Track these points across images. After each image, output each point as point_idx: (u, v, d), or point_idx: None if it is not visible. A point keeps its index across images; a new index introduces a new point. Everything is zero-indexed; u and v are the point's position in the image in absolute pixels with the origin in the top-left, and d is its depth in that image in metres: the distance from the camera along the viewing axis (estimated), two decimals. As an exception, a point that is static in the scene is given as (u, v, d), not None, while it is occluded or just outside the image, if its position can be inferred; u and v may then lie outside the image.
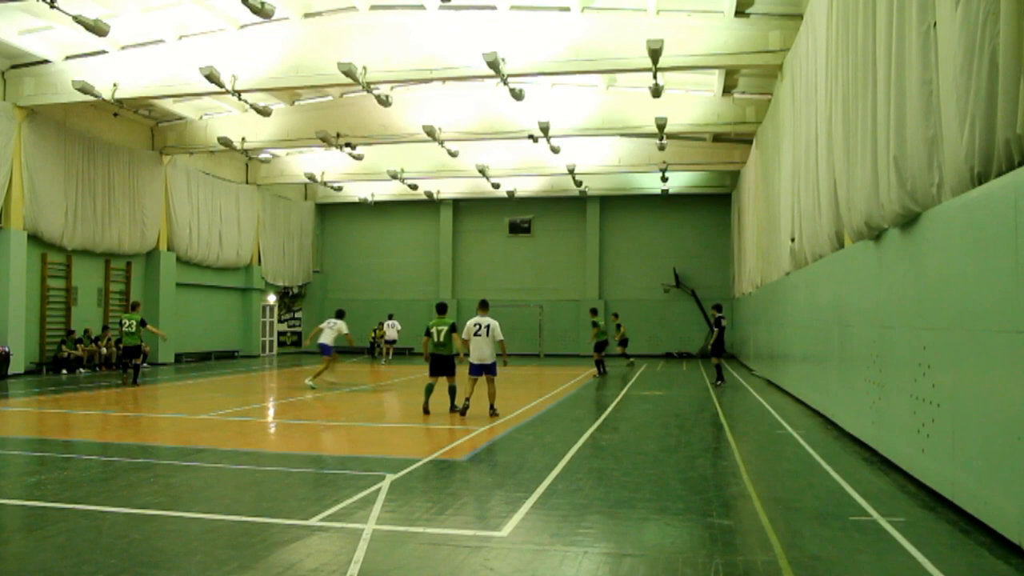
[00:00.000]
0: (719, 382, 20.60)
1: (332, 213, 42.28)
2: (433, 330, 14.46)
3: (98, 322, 27.41)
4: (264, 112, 25.16)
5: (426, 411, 14.40)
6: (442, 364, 14.60)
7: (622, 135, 29.21)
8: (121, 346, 21.48)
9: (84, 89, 21.85)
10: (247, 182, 35.85)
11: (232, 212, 34.42)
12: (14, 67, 23.11)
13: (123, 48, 22.01)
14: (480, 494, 8.18)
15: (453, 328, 14.51)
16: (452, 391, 14.72)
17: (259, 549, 6.26)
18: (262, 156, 33.15)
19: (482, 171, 31.81)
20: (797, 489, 8.58)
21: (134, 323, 20.17)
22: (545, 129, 25.11)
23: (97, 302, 27.62)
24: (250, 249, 35.94)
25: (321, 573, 5.64)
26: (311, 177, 34.47)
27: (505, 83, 20.66)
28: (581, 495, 8.05)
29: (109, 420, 14.62)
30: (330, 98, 27.57)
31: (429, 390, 14.76)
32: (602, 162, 31.26)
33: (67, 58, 22.56)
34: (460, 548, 6.24)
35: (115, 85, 22.15)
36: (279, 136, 28.32)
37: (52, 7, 17.20)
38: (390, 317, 34.16)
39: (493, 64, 19.26)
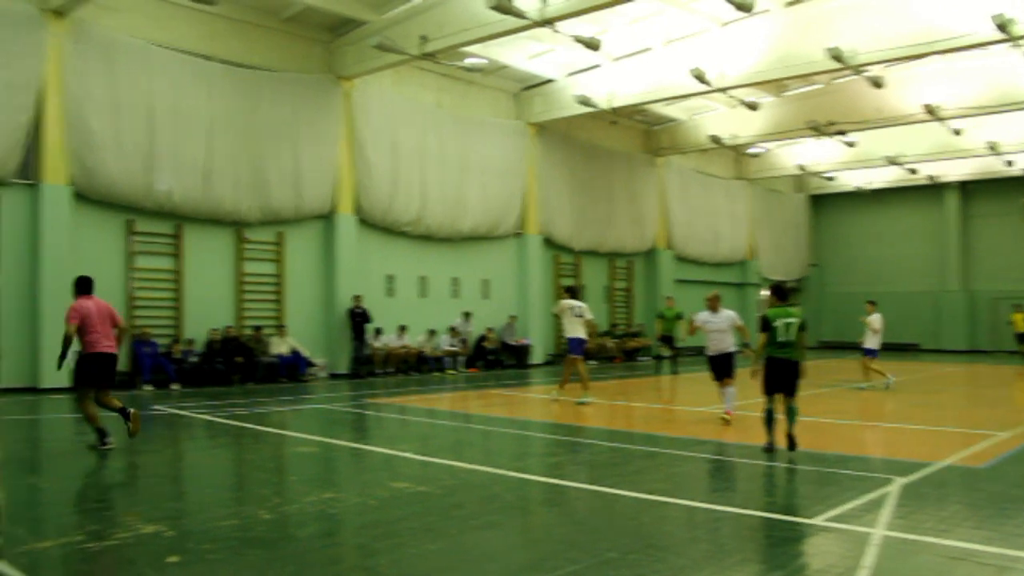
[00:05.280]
0: None
1: (826, 204, 40.87)
2: (778, 324, 10.00)
3: (604, 318, 29.58)
4: (752, 107, 25.22)
5: (768, 448, 9.99)
6: (784, 373, 10.02)
7: None
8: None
9: (584, 102, 23.83)
10: (738, 177, 36.15)
11: (725, 208, 34.98)
12: (525, 89, 25.95)
13: (615, 60, 23.45)
14: (1004, 507, 7.33)
15: (803, 325, 10.10)
16: (791, 414, 9.92)
17: (763, 543, 6.36)
18: (752, 151, 33.20)
19: (993, 148, 28.58)
20: None
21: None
22: (1073, 94, 21.87)
23: (603, 299, 29.84)
24: (744, 244, 36.20)
25: (827, 575, 5.50)
26: (802, 168, 33.74)
27: (1019, 47, 18.34)
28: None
29: (616, 409, 15.78)
30: (818, 86, 26.71)
31: (770, 419, 10.06)
32: None
33: (568, 75, 24.70)
34: (983, 566, 5.64)
35: (610, 95, 23.74)
36: (768, 129, 28.15)
37: (554, 31, 18.90)
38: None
39: (1003, 26, 17.15)
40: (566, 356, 16.44)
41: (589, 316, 16.17)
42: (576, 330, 15.80)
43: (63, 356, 10.02)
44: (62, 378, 14.19)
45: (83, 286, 10.52)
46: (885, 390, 17.69)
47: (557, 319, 16.14)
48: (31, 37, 16.47)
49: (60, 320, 10.57)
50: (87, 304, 10.29)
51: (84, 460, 9.88)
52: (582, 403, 15.26)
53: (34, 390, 16.04)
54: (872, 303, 19.00)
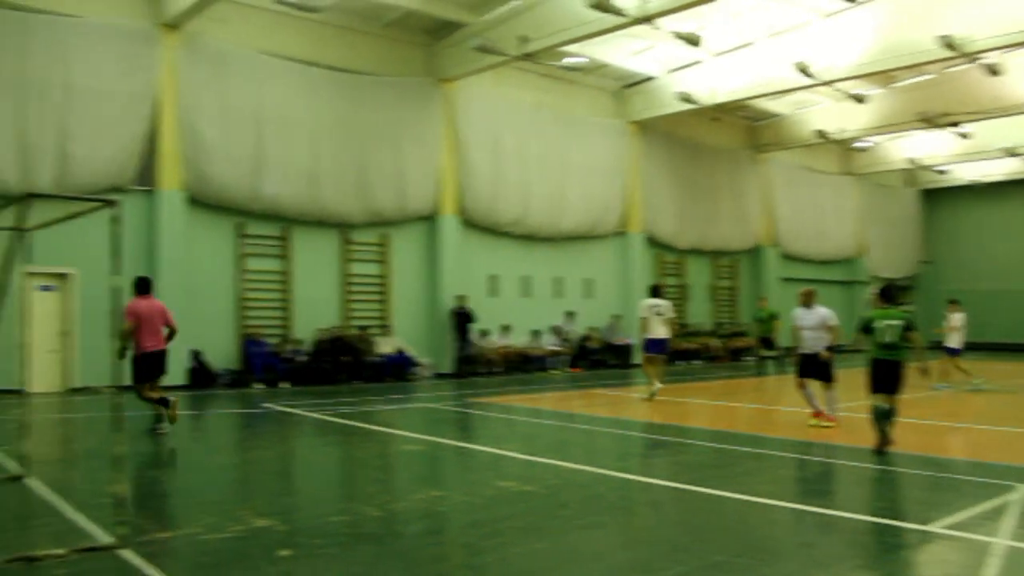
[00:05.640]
0: None
1: (939, 199, 39.24)
2: (879, 325, 9.99)
3: (708, 317, 29.19)
4: (859, 99, 24.54)
5: (881, 449, 9.68)
6: (887, 374, 9.87)
7: None
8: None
9: (685, 98, 23.56)
10: (845, 172, 35.14)
11: (831, 204, 34.10)
12: (625, 87, 25.78)
13: (716, 55, 23.03)
14: None
15: (910, 326, 9.89)
16: (888, 415, 9.73)
17: (875, 550, 6.17)
18: (859, 145, 32.27)
19: (1125, 136, 27.10)
20: None
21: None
22: None
23: (707, 297, 29.46)
24: (852, 241, 35.19)
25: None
26: (913, 162, 32.60)
27: None
28: None
29: (719, 409, 15.61)
30: (930, 76, 25.72)
31: (881, 415, 9.77)
32: None
33: (669, 72, 24.41)
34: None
35: (712, 91, 23.40)
36: (876, 122, 27.26)
37: (654, 28, 18.75)
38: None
39: None
40: (651, 357, 16.27)
41: (671, 314, 16.06)
42: (657, 330, 15.69)
43: (123, 349, 10.73)
44: (179, 376, 16.35)
45: (140, 286, 11.19)
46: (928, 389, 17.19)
47: (645, 322, 16.03)
48: (147, 50, 17.36)
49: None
50: (141, 304, 11.01)
51: (199, 455, 10.27)
52: (652, 395, 15.46)
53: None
54: (954, 302, 18.69)
